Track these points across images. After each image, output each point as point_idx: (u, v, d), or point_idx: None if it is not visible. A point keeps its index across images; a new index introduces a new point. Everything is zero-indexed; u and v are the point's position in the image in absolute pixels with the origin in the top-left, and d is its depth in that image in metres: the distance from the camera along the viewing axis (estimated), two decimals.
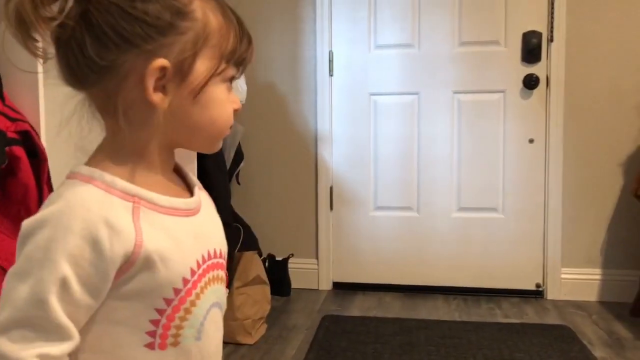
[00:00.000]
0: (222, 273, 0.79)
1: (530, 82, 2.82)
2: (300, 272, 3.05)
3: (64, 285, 0.63)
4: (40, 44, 0.67)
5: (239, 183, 2.95)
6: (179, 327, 0.71)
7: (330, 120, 3.01)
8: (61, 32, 0.66)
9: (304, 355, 2.22)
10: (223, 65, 0.72)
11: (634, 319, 2.59)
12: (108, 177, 0.68)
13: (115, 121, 0.69)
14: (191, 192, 0.78)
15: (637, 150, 2.77)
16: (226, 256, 0.81)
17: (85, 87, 0.70)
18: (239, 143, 2.83)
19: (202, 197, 0.79)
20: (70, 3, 0.66)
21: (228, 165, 2.69)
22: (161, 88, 0.68)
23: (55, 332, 0.63)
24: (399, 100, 2.97)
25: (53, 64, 0.69)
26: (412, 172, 2.98)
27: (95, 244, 0.64)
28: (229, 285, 2.20)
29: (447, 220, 2.96)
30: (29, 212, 1.44)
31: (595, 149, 2.81)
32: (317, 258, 3.07)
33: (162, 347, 0.70)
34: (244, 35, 0.74)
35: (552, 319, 2.62)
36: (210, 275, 0.75)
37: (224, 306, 0.80)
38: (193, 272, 0.71)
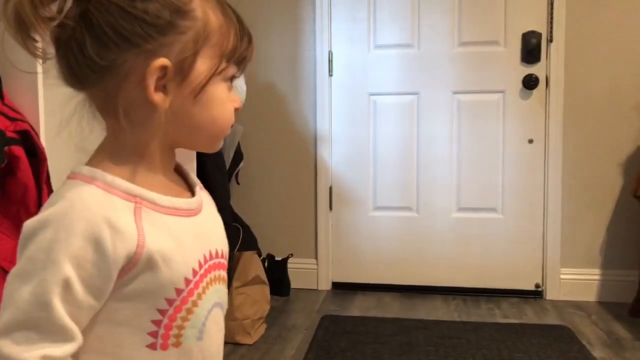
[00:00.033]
0: (224, 273, 0.78)
1: (530, 83, 2.82)
2: (299, 272, 3.05)
3: (66, 286, 0.63)
4: (39, 44, 0.66)
5: (238, 183, 2.95)
6: (180, 328, 0.70)
7: (329, 120, 3.01)
8: (61, 32, 0.66)
9: (303, 355, 2.22)
10: (224, 64, 0.71)
11: (633, 319, 2.59)
12: (109, 177, 0.68)
13: (116, 121, 0.69)
14: (192, 192, 0.78)
15: (636, 151, 2.77)
16: (227, 256, 0.81)
17: (86, 87, 0.70)
18: (239, 143, 2.83)
19: (203, 197, 0.79)
20: (70, 3, 0.66)
21: (227, 165, 2.69)
22: (162, 88, 0.68)
23: (59, 333, 0.63)
24: (398, 100, 2.97)
25: (53, 64, 0.69)
26: (412, 173, 2.98)
27: (97, 245, 0.64)
28: (228, 285, 2.20)
29: (447, 221, 2.97)
30: (28, 212, 1.45)
31: (594, 149, 2.82)
32: (316, 258, 3.07)
33: (164, 347, 0.70)
34: (244, 33, 0.73)
35: (551, 319, 2.62)
36: (211, 275, 0.75)
37: (226, 306, 0.80)
38: (195, 273, 0.71)
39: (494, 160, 2.91)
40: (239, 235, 2.60)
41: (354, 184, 3.03)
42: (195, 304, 0.71)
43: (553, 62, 2.80)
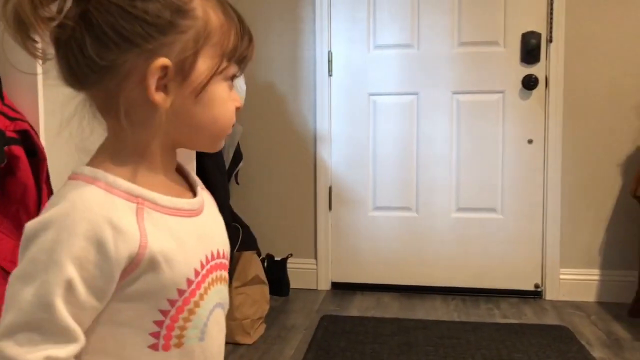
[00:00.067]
0: (225, 273, 0.78)
1: (530, 83, 2.82)
2: (299, 272, 3.05)
3: (69, 287, 0.63)
4: (39, 45, 0.66)
5: (237, 183, 2.95)
6: (182, 328, 0.70)
7: (329, 120, 3.01)
8: (60, 32, 0.66)
9: (303, 355, 2.22)
10: (224, 64, 0.71)
11: (632, 319, 2.60)
12: (111, 177, 0.68)
13: (117, 121, 0.69)
14: (193, 192, 0.78)
15: (636, 151, 2.77)
16: (229, 256, 0.80)
17: (86, 88, 0.70)
18: (238, 143, 2.83)
19: (205, 197, 0.79)
20: (69, 3, 0.66)
21: (227, 165, 2.69)
22: (163, 87, 0.68)
23: (62, 335, 0.63)
24: (398, 100, 2.97)
25: (53, 64, 0.68)
26: (411, 173, 2.98)
27: (100, 246, 0.64)
28: (228, 285, 2.20)
29: (446, 221, 2.97)
30: (28, 212, 1.45)
31: (594, 149, 2.82)
32: (315, 258, 3.07)
33: (166, 348, 0.70)
34: (245, 32, 0.73)
35: (550, 320, 2.62)
36: (213, 275, 0.74)
37: (227, 306, 0.79)
38: (197, 273, 0.71)
39: (494, 161, 2.91)
40: (239, 235, 2.60)
41: (353, 184, 3.03)
42: (197, 304, 0.71)
43: (553, 63, 2.80)
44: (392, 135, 2.98)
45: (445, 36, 2.90)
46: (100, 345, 0.68)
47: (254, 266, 2.47)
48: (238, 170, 2.89)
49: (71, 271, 0.63)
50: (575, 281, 2.86)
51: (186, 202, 0.74)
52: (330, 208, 3.05)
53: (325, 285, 3.06)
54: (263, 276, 2.52)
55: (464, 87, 2.91)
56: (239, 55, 0.73)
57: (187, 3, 0.68)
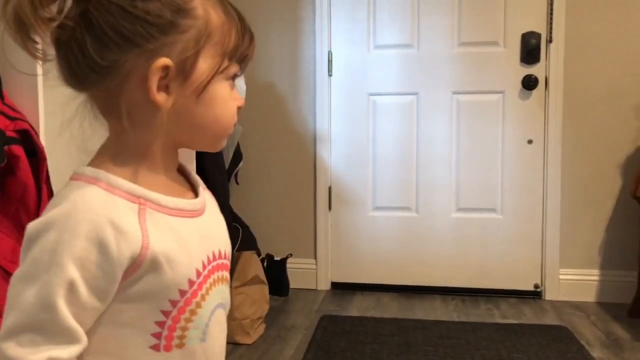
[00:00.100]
0: (227, 274, 0.78)
1: (529, 83, 2.82)
2: (298, 272, 3.05)
3: (71, 288, 0.62)
4: (39, 46, 0.66)
5: (237, 183, 2.95)
6: (184, 329, 0.70)
7: (329, 120, 3.01)
8: (61, 33, 0.65)
9: (302, 355, 2.22)
10: (226, 63, 0.71)
11: (632, 319, 2.60)
12: (113, 178, 0.68)
13: (118, 122, 0.69)
14: (195, 192, 0.78)
15: (635, 151, 2.77)
16: (230, 257, 0.80)
17: (87, 88, 0.69)
18: (238, 143, 2.83)
19: (206, 198, 0.79)
20: (69, 3, 0.65)
21: (227, 165, 2.69)
22: (164, 88, 0.68)
23: (64, 336, 0.63)
24: (398, 100, 2.97)
25: (53, 65, 0.68)
26: (411, 173, 2.98)
27: (101, 246, 0.63)
28: None
29: (446, 221, 2.97)
30: (28, 211, 1.45)
31: (593, 149, 2.82)
32: (315, 258, 3.07)
33: (168, 348, 0.70)
34: (245, 31, 0.73)
35: (550, 320, 2.62)
36: (215, 276, 0.74)
37: (228, 307, 0.79)
38: (199, 274, 0.71)
39: (493, 161, 2.91)
40: (238, 235, 2.60)
41: (353, 184, 3.03)
42: (198, 305, 0.71)
43: (552, 63, 2.81)
44: (392, 136, 2.98)
45: (445, 36, 2.90)
46: (102, 345, 0.68)
47: (253, 266, 2.47)
48: (238, 170, 2.89)
49: (73, 272, 0.62)
50: (575, 281, 2.86)
51: (188, 203, 0.73)
52: (330, 208, 3.05)
53: (324, 285, 3.06)
54: (263, 276, 2.52)
55: (463, 87, 2.91)
56: (240, 54, 0.73)
57: (187, 2, 0.68)
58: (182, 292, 0.69)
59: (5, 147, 1.38)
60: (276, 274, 2.93)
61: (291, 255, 3.00)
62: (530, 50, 2.82)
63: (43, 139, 1.51)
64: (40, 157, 1.47)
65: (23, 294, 0.63)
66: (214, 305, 0.74)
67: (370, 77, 2.98)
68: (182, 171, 0.80)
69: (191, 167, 1.88)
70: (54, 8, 0.65)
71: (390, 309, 2.77)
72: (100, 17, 0.64)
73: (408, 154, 2.97)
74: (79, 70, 0.67)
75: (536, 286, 2.91)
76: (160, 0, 0.66)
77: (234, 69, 0.73)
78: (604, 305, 2.78)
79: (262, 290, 2.49)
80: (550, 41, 2.80)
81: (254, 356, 2.25)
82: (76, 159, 0.73)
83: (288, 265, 2.99)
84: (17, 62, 0.75)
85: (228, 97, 0.73)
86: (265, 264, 2.84)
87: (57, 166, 1.51)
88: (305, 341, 2.37)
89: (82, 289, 0.63)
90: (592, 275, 2.85)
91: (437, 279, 2.98)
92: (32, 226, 0.65)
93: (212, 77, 0.70)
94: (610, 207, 2.82)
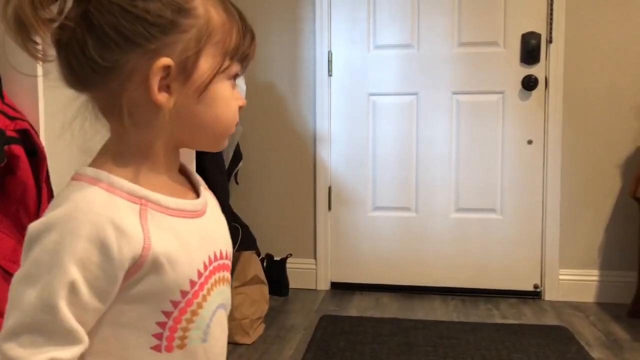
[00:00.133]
0: (228, 274, 0.78)
1: (529, 83, 2.82)
2: (298, 272, 3.05)
3: (72, 289, 0.62)
4: (40, 47, 0.66)
5: (237, 183, 2.95)
6: (185, 330, 0.70)
7: (329, 120, 3.01)
8: (61, 33, 0.65)
9: (302, 355, 2.22)
10: (227, 62, 0.71)
11: (631, 320, 2.60)
12: (114, 178, 0.68)
13: (120, 122, 0.69)
14: (196, 192, 0.78)
15: (635, 152, 2.77)
16: (231, 257, 0.80)
17: (88, 89, 0.69)
18: (238, 143, 2.83)
19: (208, 198, 0.79)
20: (70, 4, 0.65)
21: (227, 164, 2.69)
22: (165, 87, 0.68)
23: (65, 337, 0.63)
24: (397, 100, 2.97)
25: (54, 66, 0.68)
26: (411, 173, 2.98)
27: (103, 247, 0.63)
28: None
29: (446, 221, 2.97)
30: (28, 211, 1.44)
31: (593, 150, 2.82)
32: (315, 258, 3.07)
33: (169, 349, 0.70)
34: (246, 30, 0.73)
35: (549, 320, 2.62)
36: (216, 276, 0.74)
37: (229, 307, 0.79)
38: (200, 274, 0.71)
39: (493, 161, 2.91)
40: (238, 235, 2.60)
41: (353, 184, 3.03)
42: (200, 305, 0.71)
43: (552, 63, 2.81)
44: (391, 136, 2.98)
45: (445, 36, 2.90)
46: (103, 346, 0.68)
47: (253, 266, 2.47)
48: (238, 170, 2.89)
49: (74, 273, 0.62)
50: (575, 282, 2.86)
51: (189, 203, 0.73)
52: (329, 208, 3.05)
53: (324, 285, 3.06)
54: (262, 276, 2.52)
55: (463, 87, 2.91)
56: (241, 53, 0.72)
57: (188, 2, 0.67)
58: (184, 293, 0.69)
59: (6, 147, 1.38)
60: (276, 274, 2.93)
61: (291, 255, 3.01)
62: (530, 50, 2.82)
63: (44, 140, 1.50)
64: (40, 156, 1.47)
65: (24, 294, 0.63)
66: (215, 306, 0.74)
67: (370, 77, 2.98)
68: (183, 171, 0.80)
69: (191, 167, 1.88)
70: (54, 9, 0.65)
71: (390, 309, 2.77)
72: (100, 18, 0.64)
73: (408, 154, 2.97)
74: (80, 71, 0.67)
75: (536, 286, 2.91)
76: (161, 0, 0.65)
77: (235, 68, 0.73)
78: (604, 306, 2.78)
79: (262, 290, 2.49)
80: (550, 41, 2.80)
81: (254, 356, 2.25)
82: (77, 160, 0.72)
83: (288, 265, 2.99)
84: (18, 63, 0.75)
85: (229, 97, 0.73)
86: (264, 263, 2.84)
87: (58, 167, 1.51)
88: (305, 341, 2.37)
89: (84, 290, 0.63)
90: (592, 275, 2.85)
91: (436, 279, 2.98)
92: (33, 227, 0.65)
93: (214, 77, 0.70)
94: (610, 208, 2.83)
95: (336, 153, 3.03)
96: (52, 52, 0.67)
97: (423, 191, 2.97)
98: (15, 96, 1.50)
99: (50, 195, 1.49)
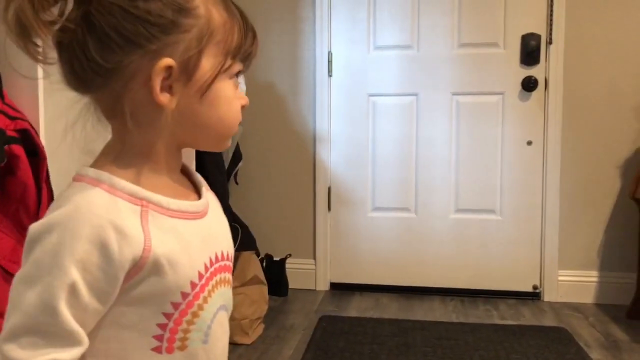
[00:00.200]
0: (229, 276, 0.78)
1: (529, 85, 2.82)
2: (297, 272, 3.05)
3: (72, 290, 0.62)
4: (41, 49, 0.65)
5: (237, 183, 2.95)
6: (186, 331, 0.70)
7: (328, 120, 3.01)
8: (62, 35, 0.65)
9: (301, 356, 2.22)
10: (229, 62, 0.71)
11: (630, 321, 2.60)
12: (115, 180, 0.67)
13: (122, 123, 0.68)
14: (198, 193, 0.78)
15: (635, 153, 2.77)
16: (233, 258, 0.80)
17: (90, 91, 0.69)
18: (238, 143, 2.83)
19: (209, 199, 0.79)
20: (70, 6, 0.65)
21: (227, 164, 2.69)
22: (168, 88, 0.68)
23: (65, 338, 0.63)
24: (397, 101, 2.98)
25: (56, 68, 0.68)
26: (410, 173, 2.98)
27: (103, 249, 0.63)
28: None
29: (445, 222, 2.97)
30: (28, 211, 1.45)
31: (593, 151, 2.82)
32: (314, 258, 3.07)
33: (170, 350, 0.69)
34: (248, 29, 0.73)
35: (548, 321, 2.62)
36: (217, 278, 0.74)
37: (231, 308, 0.79)
38: (201, 276, 0.71)
39: (493, 162, 2.91)
40: (238, 235, 2.60)
41: (352, 184, 3.03)
42: (201, 307, 0.71)
43: (552, 64, 2.81)
44: (391, 136, 2.98)
45: (445, 37, 2.90)
46: (104, 347, 0.68)
47: (252, 266, 2.47)
48: (237, 170, 2.89)
49: (74, 274, 0.62)
50: (574, 283, 2.87)
51: (190, 204, 0.73)
52: (329, 208, 3.05)
53: (324, 286, 3.06)
54: (262, 276, 2.52)
55: (463, 88, 2.91)
56: (243, 52, 0.72)
57: (189, 1, 0.67)
58: (185, 295, 0.69)
59: (6, 147, 1.38)
60: (275, 274, 2.93)
61: (290, 255, 3.01)
62: (530, 51, 2.82)
63: (44, 140, 1.50)
64: (40, 156, 1.47)
65: (25, 295, 0.63)
66: (217, 308, 0.74)
67: (370, 77, 2.98)
68: (186, 172, 0.79)
69: (191, 168, 1.88)
70: (55, 11, 0.65)
71: (389, 309, 2.77)
72: (101, 19, 0.64)
73: (407, 155, 2.97)
74: (82, 72, 0.66)
75: (535, 287, 2.91)
76: (162, 0, 0.65)
77: (238, 67, 0.73)
78: (603, 307, 2.79)
79: (261, 291, 2.49)
80: (550, 43, 2.80)
81: (253, 356, 2.25)
82: (78, 160, 0.72)
83: (287, 266, 2.99)
84: (19, 65, 0.75)
85: (232, 96, 0.73)
86: (264, 264, 2.84)
87: (58, 167, 1.51)
88: (304, 341, 2.37)
89: (84, 291, 0.63)
90: (591, 276, 2.86)
91: (436, 279, 2.98)
92: (34, 227, 0.65)
93: (216, 76, 0.69)
94: (609, 209, 2.83)
95: (336, 153, 3.03)
96: (53, 54, 0.67)
97: (423, 192, 2.98)
98: (16, 96, 1.50)
99: (50, 195, 1.49)
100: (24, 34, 0.64)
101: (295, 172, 3.06)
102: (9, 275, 1.34)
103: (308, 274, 3.06)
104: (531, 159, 2.88)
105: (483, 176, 2.92)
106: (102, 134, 0.72)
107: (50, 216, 0.65)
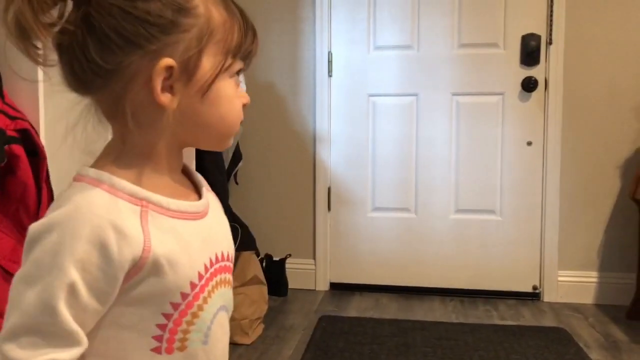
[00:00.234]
0: (230, 276, 0.78)
1: (529, 85, 2.82)
2: (297, 272, 3.05)
3: (72, 291, 0.62)
4: (41, 51, 0.65)
5: (237, 183, 2.95)
6: (186, 332, 0.70)
7: (328, 120, 3.01)
8: (62, 37, 0.65)
9: (301, 356, 2.22)
10: (229, 60, 0.71)
11: (630, 321, 2.60)
12: (116, 180, 0.67)
13: (123, 124, 0.68)
14: (199, 193, 0.78)
15: (634, 153, 2.77)
16: (233, 258, 0.80)
17: (91, 92, 0.69)
18: (238, 143, 2.83)
19: (210, 199, 0.79)
20: (70, 7, 0.65)
21: (226, 164, 2.69)
22: (168, 88, 0.68)
23: (65, 338, 0.63)
24: (397, 101, 2.98)
25: (56, 70, 0.68)
26: (410, 174, 2.98)
27: (103, 249, 0.63)
28: None
29: (445, 222, 2.97)
30: (28, 211, 1.45)
31: (593, 151, 2.82)
32: (314, 258, 3.07)
33: (169, 351, 0.69)
34: (248, 28, 0.72)
35: (548, 321, 2.62)
36: (217, 278, 0.74)
37: (231, 309, 0.79)
38: (201, 276, 0.71)
39: (493, 162, 2.91)
40: (237, 235, 2.60)
41: (352, 184, 3.03)
42: (200, 308, 0.71)
43: (552, 65, 2.81)
44: (391, 136, 2.98)
45: (445, 37, 2.90)
46: (103, 348, 0.68)
47: (252, 266, 2.47)
48: (237, 170, 2.89)
49: (74, 274, 0.62)
50: (574, 283, 2.87)
51: (191, 205, 0.73)
52: (329, 208, 3.05)
53: (323, 286, 3.06)
54: (262, 276, 2.52)
55: (463, 88, 2.91)
56: (243, 50, 0.72)
57: (188, 1, 0.67)
58: (184, 295, 0.69)
59: (6, 147, 1.38)
60: (275, 274, 2.93)
61: (290, 255, 3.01)
62: (530, 52, 2.82)
63: (44, 140, 1.50)
64: (40, 156, 1.47)
65: (24, 295, 0.63)
66: (217, 308, 0.74)
67: (370, 77, 2.98)
68: (186, 172, 0.79)
69: (192, 168, 1.88)
70: (54, 13, 0.65)
71: (389, 309, 2.78)
72: (101, 20, 0.64)
73: (407, 155, 2.97)
74: (83, 74, 0.66)
75: (535, 288, 2.91)
76: (161, 0, 0.65)
77: (238, 66, 0.73)
78: (603, 307, 2.79)
79: (261, 291, 2.49)
80: (550, 43, 2.80)
81: (253, 356, 2.25)
82: (78, 160, 0.72)
83: (287, 266, 2.99)
84: (19, 68, 0.75)
85: (233, 95, 0.73)
86: (264, 264, 2.84)
87: (58, 167, 1.51)
88: (304, 341, 2.37)
89: (83, 291, 0.63)
90: (591, 277, 2.86)
91: (436, 280, 2.98)
92: (34, 227, 0.65)
93: (217, 76, 0.69)
94: (609, 209, 2.83)
95: (336, 153, 3.03)
96: (53, 56, 0.67)
97: (422, 192, 2.98)
98: (16, 96, 1.50)
99: (50, 195, 1.49)
100: (24, 37, 0.63)
101: (295, 172, 3.06)
102: (9, 275, 1.34)
103: (308, 274, 3.06)
104: (531, 160, 2.88)
105: (483, 176, 2.92)
106: (102, 135, 0.72)
107: (51, 216, 0.65)
